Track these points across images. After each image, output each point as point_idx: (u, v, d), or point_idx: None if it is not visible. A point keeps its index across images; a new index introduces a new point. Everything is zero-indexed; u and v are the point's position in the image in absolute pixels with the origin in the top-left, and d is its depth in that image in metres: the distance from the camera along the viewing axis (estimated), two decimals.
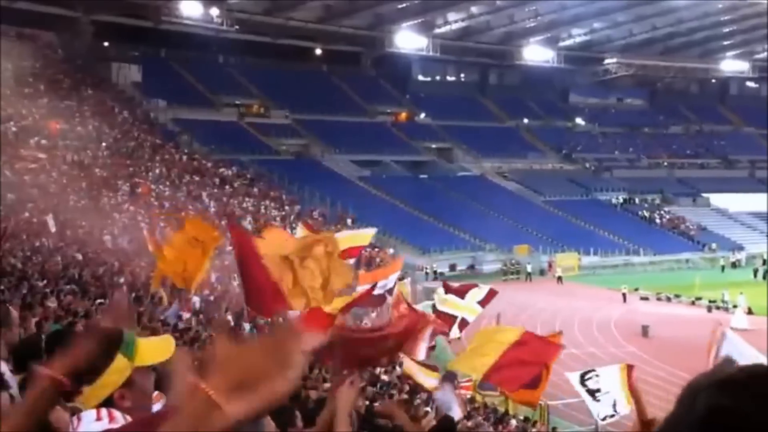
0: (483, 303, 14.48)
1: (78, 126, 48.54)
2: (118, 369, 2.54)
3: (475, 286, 15.15)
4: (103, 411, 2.47)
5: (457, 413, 12.73)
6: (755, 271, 55.28)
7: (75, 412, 2.50)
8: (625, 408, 19.18)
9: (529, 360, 11.56)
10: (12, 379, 4.78)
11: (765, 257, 58.11)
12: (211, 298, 26.59)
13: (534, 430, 21.31)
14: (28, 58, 51.84)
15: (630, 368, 14.80)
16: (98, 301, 19.81)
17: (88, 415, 2.47)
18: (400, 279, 18.03)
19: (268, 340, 1.55)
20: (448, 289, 14.96)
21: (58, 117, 47.48)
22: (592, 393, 15.09)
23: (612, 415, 15.29)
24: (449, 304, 14.26)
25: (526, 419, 22.74)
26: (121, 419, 2.45)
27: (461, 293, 14.60)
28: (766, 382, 0.96)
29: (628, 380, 15.02)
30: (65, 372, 2.28)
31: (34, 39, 57.34)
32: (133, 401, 2.54)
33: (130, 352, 2.57)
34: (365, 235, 14.41)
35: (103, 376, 2.51)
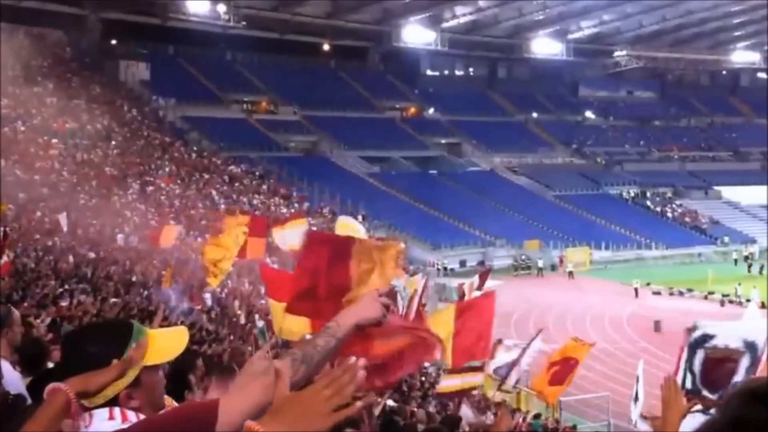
0: (480, 287, 14.32)
1: (87, 125, 48.59)
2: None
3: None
4: (116, 410, 2.39)
5: (468, 415, 12.67)
6: (749, 266, 54.62)
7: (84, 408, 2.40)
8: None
9: (478, 325, 11.31)
10: (17, 381, 4.72)
11: (748, 253, 57.87)
12: (222, 294, 26.57)
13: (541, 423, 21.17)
14: (37, 56, 51.90)
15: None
16: (111, 300, 19.83)
17: (101, 413, 2.38)
18: (412, 275, 17.98)
19: (325, 388, 1.72)
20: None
21: (68, 116, 47.53)
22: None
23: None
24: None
25: (538, 415, 22.65)
26: (134, 419, 2.37)
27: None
28: None
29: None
30: (79, 390, 2.30)
31: (43, 37, 57.40)
32: (141, 401, 2.44)
33: (138, 350, 2.46)
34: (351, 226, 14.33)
35: None
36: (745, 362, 9.01)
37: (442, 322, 10.98)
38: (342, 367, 1.83)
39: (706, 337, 8.96)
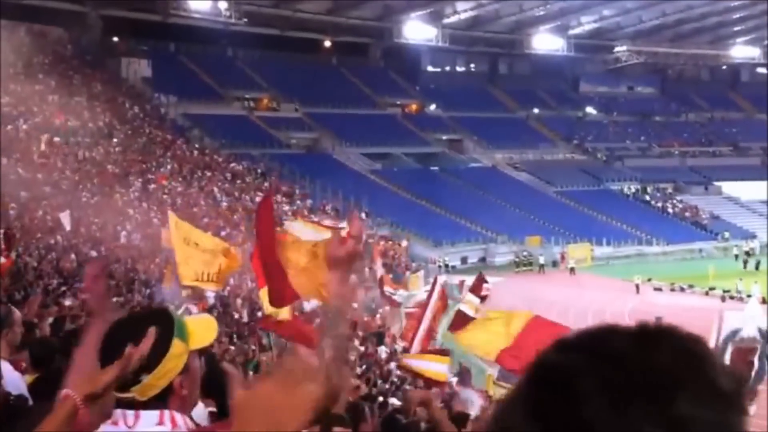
0: (474, 291, 14.38)
1: (89, 122, 48.65)
2: (177, 354, 2.36)
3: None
4: (166, 414, 2.31)
5: (476, 408, 12.75)
6: (745, 262, 54.50)
7: (128, 403, 2.31)
8: None
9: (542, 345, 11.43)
10: (17, 381, 4.76)
11: (749, 248, 57.83)
12: (225, 293, 26.60)
13: None
14: (38, 53, 51.96)
15: None
16: (114, 299, 19.88)
17: (149, 416, 2.31)
18: (414, 272, 18.14)
19: (281, 378, 1.59)
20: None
21: (69, 113, 47.60)
22: None
23: None
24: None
25: None
26: (182, 425, 2.32)
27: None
28: (600, 340, 0.96)
29: None
30: (86, 392, 2.24)
31: (44, 34, 57.45)
32: (189, 388, 2.40)
33: (184, 334, 2.41)
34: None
35: (163, 364, 2.33)
36: (758, 350, 9.16)
37: (509, 323, 11.10)
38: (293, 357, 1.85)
39: (735, 332, 9.05)
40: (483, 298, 14.26)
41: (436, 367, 12.49)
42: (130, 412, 2.30)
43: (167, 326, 2.36)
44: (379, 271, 28.66)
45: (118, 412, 2.31)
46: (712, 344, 8.97)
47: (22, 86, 45.19)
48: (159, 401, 2.33)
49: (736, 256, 57.05)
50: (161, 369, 2.32)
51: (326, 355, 2.42)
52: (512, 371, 12.65)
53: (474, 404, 11.89)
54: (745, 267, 52.74)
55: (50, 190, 34.70)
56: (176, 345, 2.36)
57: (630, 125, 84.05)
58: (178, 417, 2.33)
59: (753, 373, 8.71)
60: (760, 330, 9.08)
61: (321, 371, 2.25)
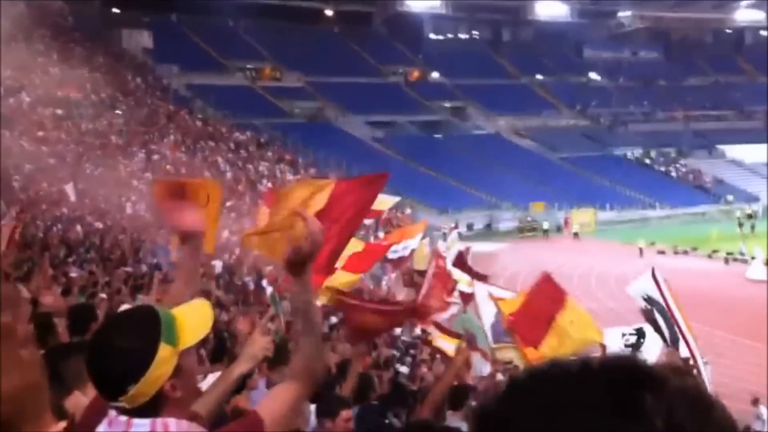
0: (460, 267, 14.37)
1: (91, 94, 48.60)
2: (165, 359, 2.21)
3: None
4: (158, 423, 2.21)
5: (487, 371, 12.97)
6: (740, 225, 53.92)
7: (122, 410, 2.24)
8: None
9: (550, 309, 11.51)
10: None
11: (749, 211, 57.70)
12: (231, 261, 26.77)
13: None
14: (39, 26, 51.78)
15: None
16: (121, 268, 20.03)
17: (140, 425, 2.21)
18: (422, 239, 18.17)
19: None
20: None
21: (71, 86, 47.54)
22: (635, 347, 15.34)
23: None
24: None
25: None
26: (177, 431, 2.23)
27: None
28: (539, 388, 0.93)
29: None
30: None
31: (44, 7, 57.18)
32: (183, 390, 2.28)
33: (173, 337, 2.25)
34: (386, 201, 14.40)
35: (149, 372, 2.18)
36: (659, 317, 9.46)
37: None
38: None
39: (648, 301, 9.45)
40: (473, 273, 14.33)
41: (446, 345, 12.64)
42: (123, 418, 2.22)
43: (153, 331, 2.23)
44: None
45: (112, 415, 2.24)
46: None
47: (24, 58, 45.10)
48: (150, 408, 2.22)
49: (739, 220, 56.98)
50: (148, 377, 2.19)
51: (306, 353, 2.52)
52: (517, 333, 12.76)
53: (485, 369, 12.10)
54: (740, 229, 52.58)
55: (54, 162, 34.77)
56: (163, 349, 2.21)
57: (634, 90, 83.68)
58: (172, 423, 2.23)
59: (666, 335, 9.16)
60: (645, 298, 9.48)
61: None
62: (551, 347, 10.32)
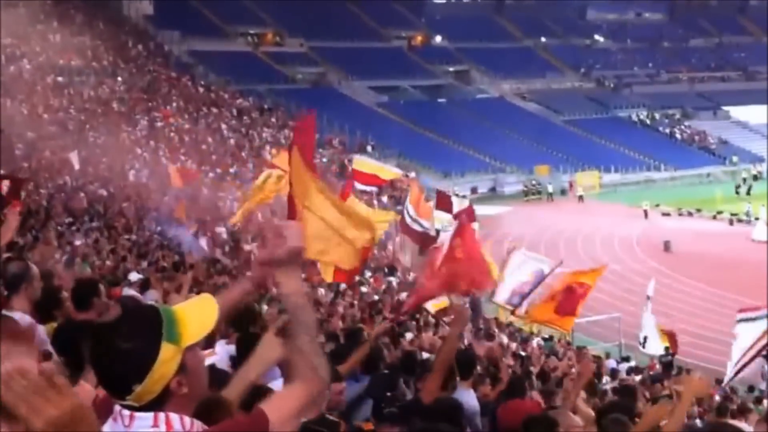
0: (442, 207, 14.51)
1: (93, 61, 48.40)
2: (167, 359, 2.22)
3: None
4: (161, 417, 2.22)
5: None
6: (737, 187, 53.78)
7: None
8: (658, 349, 19.57)
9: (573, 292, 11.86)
10: (41, 333, 4.83)
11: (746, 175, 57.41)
12: (236, 228, 26.74)
13: (561, 348, 21.50)
14: None
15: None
16: (125, 236, 20.05)
17: (144, 418, 2.23)
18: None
19: None
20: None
21: (72, 53, 47.33)
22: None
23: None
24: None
25: (550, 338, 22.97)
26: (179, 428, 2.24)
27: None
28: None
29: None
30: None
31: None
32: (189, 386, 2.28)
33: (175, 336, 2.25)
34: (389, 172, 14.47)
35: (151, 372, 2.19)
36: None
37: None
38: None
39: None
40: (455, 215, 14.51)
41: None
42: (126, 412, 2.23)
43: (154, 331, 2.23)
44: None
45: (117, 409, 2.26)
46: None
47: (24, 26, 44.86)
48: (155, 404, 2.23)
49: (744, 180, 56.80)
50: (152, 376, 2.20)
51: (304, 350, 2.50)
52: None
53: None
54: (737, 192, 52.27)
55: (56, 130, 34.70)
56: (166, 349, 2.22)
57: (638, 52, 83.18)
58: (174, 419, 2.24)
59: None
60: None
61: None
62: None
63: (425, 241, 15.07)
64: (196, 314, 2.36)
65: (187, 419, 2.27)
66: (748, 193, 51.35)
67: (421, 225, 15.46)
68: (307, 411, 2.51)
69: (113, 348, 2.20)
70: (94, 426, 1.73)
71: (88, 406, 1.75)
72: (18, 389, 1.63)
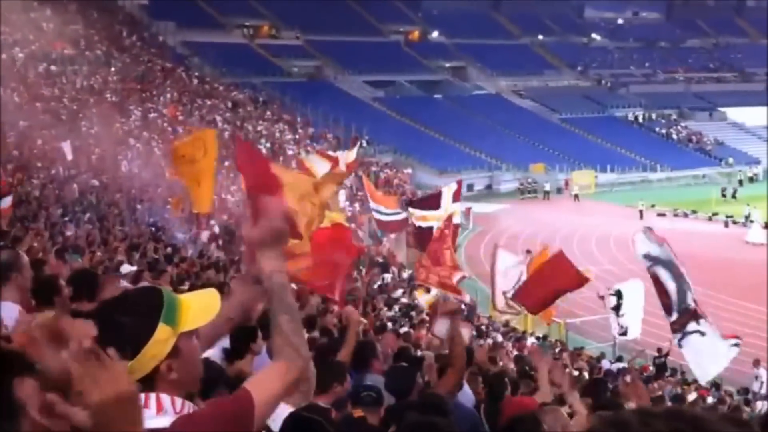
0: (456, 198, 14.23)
1: (86, 51, 48.05)
2: (161, 340, 2.27)
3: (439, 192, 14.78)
4: (152, 398, 2.24)
5: (466, 336, 12.78)
6: (723, 190, 53.17)
7: None
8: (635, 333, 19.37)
9: (556, 284, 11.51)
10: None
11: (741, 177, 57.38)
12: (231, 222, 26.55)
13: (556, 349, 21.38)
14: None
15: None
16: (117, 228, 19.81)
17: None
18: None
19: None
20: (417, 205, 14.75)
21: (66, 42, 46.98)
22: (617, 309, 15.32)
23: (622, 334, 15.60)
24: (428, 218, 13.94)
25: (544, 337, 22.87)
26: (169, 408, 2.25)
27: (434, 203, 14.34)
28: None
29: None
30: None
31: None
32: (180, 372, 2.30)
33: (173, 319, 2.30)
34: (350, 154, 14.29)
35: (144, 349, 2.24)
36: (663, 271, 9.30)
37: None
38: None
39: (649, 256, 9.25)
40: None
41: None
42: None
43: (153, 310, 2.29)
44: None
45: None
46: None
47: (18, 14, 44.48)
48: (145, 385, 2.24)
49: (741, 182, 56.76)
50: (144, 354, 2.24)
51: (284, 329, 2.52)
52: (523, 303, 12.71)
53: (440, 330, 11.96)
54: (723, 195, 52.01)
55: (49, 119, 34.39)
56: (162, 330, 2.27)
57: (635, 51, 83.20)
58: (165, 400, 2.26)
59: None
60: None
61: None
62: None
63: (400, 226, 15.01)
64: (198, 304, 2.42)
65: (178, 400, 2.29)
66: (734, 197, 51.19)
67: (388, 214, 15.32)
68: (290, 391, 2.49)
69: (112, 322, 2.23)
70: (140, 415, 1.68)
71: (138, 394, 1.73)
72: (84, 364, 1.60)
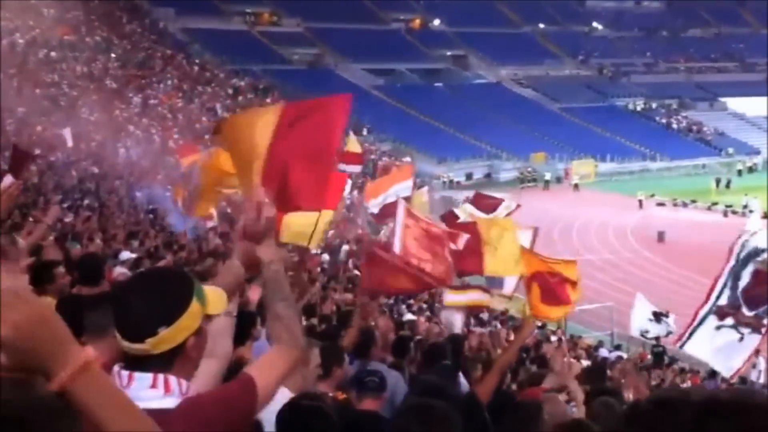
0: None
1: (86, 37, 47.94)
2: (194, 313, 2.33)
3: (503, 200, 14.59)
4: (160, 378, 2.26)
5: (458, 326, 12.68)
6: (717, 181, 52.62)
7: (128, 362, 2.30)
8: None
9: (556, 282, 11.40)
10: None
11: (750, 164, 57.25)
12: (228, 210, 26.49)
13: (553, 338, 21.36)
14: None
15: None
16: (117, 215, 19.78)
17: (143, 378, 2.26)
18: (418, 188, 17.96)
19: None
20: (477, 204, 14.52)
21: (66, 28, 46.87)
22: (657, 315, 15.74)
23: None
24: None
25: (543, 326, 22.83)
26: (176, 390, 2.27)
27: (491, 208, 14.15)
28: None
29: None
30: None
31: None
32: (197, 351, 2.37)
33: (202, 298, 2.37)
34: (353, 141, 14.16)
35: (180, 320, 2.28)
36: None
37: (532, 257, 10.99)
38: None
39: (758, 251, 8.75)
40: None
41: (477, 297, 12.36)
42: (125, 372, 2.27)
43: (188, 286, 2.35)
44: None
45: (115, 370, 2.28)
46: (730, 265, 8.72)
47: (17, 1, 44.39)
48: (162, 361, 2.29)
49: (740, 172, 56.71)
50: (180, 324, 2.28)
51: (282, 316, 2.66)
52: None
53: (456, 324, 11.90)
54: (717, 186, 51.85)
55: (49, 105, 34.35)
56: (195, 304, 2.33)
57: (636, 41, 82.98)
58: (173, 381, 2.28)
59: None
60: None
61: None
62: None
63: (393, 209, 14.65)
64: (213, 294, 2.49)
65: (184, 383, 2.31)
66: (727, 187, 51.13)
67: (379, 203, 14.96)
68: (289, 376, 2.62)
69: (150, 289, 2.32)
70: (61, 327, 1.67)
71: (52, 309, 1.70)
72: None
